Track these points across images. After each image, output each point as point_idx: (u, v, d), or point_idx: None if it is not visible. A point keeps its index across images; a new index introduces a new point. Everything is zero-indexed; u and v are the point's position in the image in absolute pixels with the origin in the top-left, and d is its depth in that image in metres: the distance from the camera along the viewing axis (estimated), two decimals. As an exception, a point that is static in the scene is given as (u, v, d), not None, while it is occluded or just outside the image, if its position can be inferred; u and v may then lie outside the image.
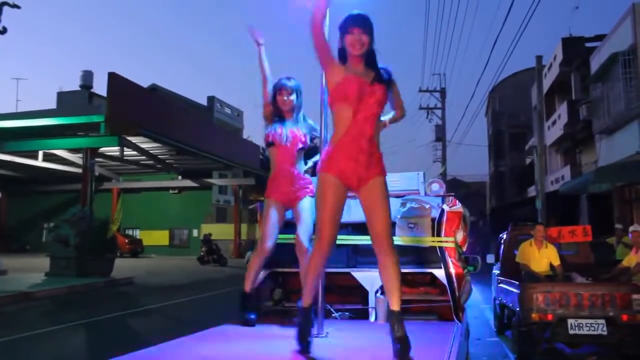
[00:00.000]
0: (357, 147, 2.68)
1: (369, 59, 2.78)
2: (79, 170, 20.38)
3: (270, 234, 3.53)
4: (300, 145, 3.61)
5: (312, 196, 3.50)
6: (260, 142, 29.88)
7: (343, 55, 2.82)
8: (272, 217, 3.54)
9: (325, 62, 2.79)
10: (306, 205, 3.54)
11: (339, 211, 2.75)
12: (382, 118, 2.91)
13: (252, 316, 3.48)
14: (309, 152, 3.76)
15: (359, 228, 3.62)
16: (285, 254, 3.74)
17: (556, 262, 7.09)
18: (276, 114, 3.65)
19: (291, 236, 3.64)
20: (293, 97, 3.60)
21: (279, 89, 3.61)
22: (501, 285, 7.85)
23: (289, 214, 3.69)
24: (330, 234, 2.73)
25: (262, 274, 3.79)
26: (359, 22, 2.73)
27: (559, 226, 7.93)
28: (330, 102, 2.82)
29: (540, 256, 7.08)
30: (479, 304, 11.48)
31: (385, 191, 2.72)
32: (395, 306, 2.62)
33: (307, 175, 3.68)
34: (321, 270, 2.82)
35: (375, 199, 2.69)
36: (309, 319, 2.73)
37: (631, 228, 7.56)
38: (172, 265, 18.66)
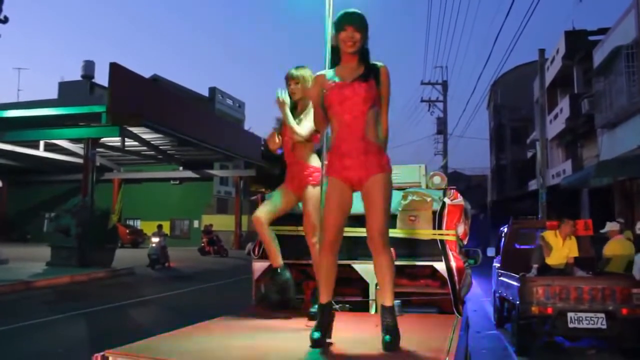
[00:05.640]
0: (350, 148, 2.74)
1: (363, 56, 2.83)
2: (80, 161, 20.40)
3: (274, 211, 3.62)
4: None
5: (314, 185, 3.48)
6: (262, 134, 29.90)
7: (337, 54, 2.87)
8: (277, 201, 3.62)
9: (318, 100, 2.88)
10: (309, 195, 3.50)
11: (342, 209, 2.79)
12: None
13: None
14: None
15: (359, 220, 3.62)
16: (289, 245, 3.73)
17: (575, 253, 7.08)
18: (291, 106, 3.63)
19: (293, 228, 3.64)
20: (300, 85, 3.58)
21: (286, 79, 3.62)
22: (501, 278, 7.87)
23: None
24: (335, 232, 2.76)
25: (266, 266, 3.82)
26: (352, 20, 2.77)
27: (559, 220, 7.93)
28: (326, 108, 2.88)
29: (563, 248, 7.07)
30: (479, 297, 11.51)
31: (383, 190, 2.72)
32: (389, 302, 2.70)
33: (314, 164, 3.59)
34: (333, 268, 2.81)
35: (372, 197, 2.72)
36: (327, 314, 2.72)
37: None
38: (173, 256, 18.66)
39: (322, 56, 3.75)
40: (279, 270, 3.58)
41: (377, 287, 3.72)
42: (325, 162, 2.90)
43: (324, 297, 2.78)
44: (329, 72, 2.89)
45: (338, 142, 2.78)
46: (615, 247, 7.91)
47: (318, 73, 2.99)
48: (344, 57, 2.84)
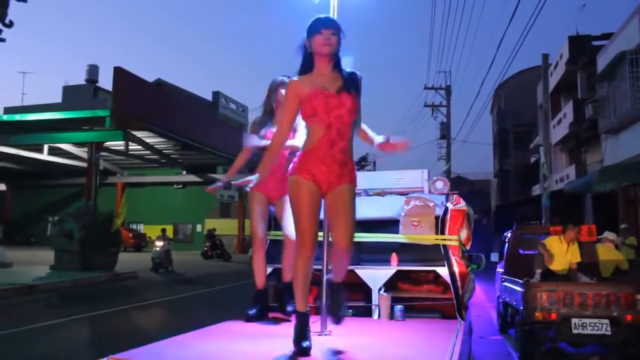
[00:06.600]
0: (330, 156, 2.73)
1: (337, 62, 2.81)
2: (84, 164, 20.44)
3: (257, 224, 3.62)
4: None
5: None
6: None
7: (310, 61, 2.80)
8: (257, 210, 3.64)
9: (294, 108, 2.79)
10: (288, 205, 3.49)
11: (317, 212, 2.78)
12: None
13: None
14: None
15: (362, 225, 3.61)
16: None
17: (577, 259, 7.06)
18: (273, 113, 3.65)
19: None
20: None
21: (271, 87, 3.65)
22: (505, 283, 7.84)
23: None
24: (312, 237, 2.75)
25: (270, 271, 3.83)
26: (329, 24, 2.77)
27: (563, 225, 7.91)
28: (302, 115, 2.81)
29: (567, 253, 7.05)
30: (483, 302, 11.47)
31: (351, 198, 2.77)
32: (340, 279, 2.87)
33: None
34: (309, 275, 2.80)
35: (341, 203, 2.75)
36: (305, 323, 2.71)
37: None
38: (176, 260, 18.66)
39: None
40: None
41: (380, 292, 3.72)
42: (294, 161, 2.81)
43: (302, 306, 2.76)
44: (303, 79, 2.79)
45: (317, 147, 2.73)
46: (600, 251, 7.92)
47: (292, 79, 2.84)
48: (319, 61, 2.78)
